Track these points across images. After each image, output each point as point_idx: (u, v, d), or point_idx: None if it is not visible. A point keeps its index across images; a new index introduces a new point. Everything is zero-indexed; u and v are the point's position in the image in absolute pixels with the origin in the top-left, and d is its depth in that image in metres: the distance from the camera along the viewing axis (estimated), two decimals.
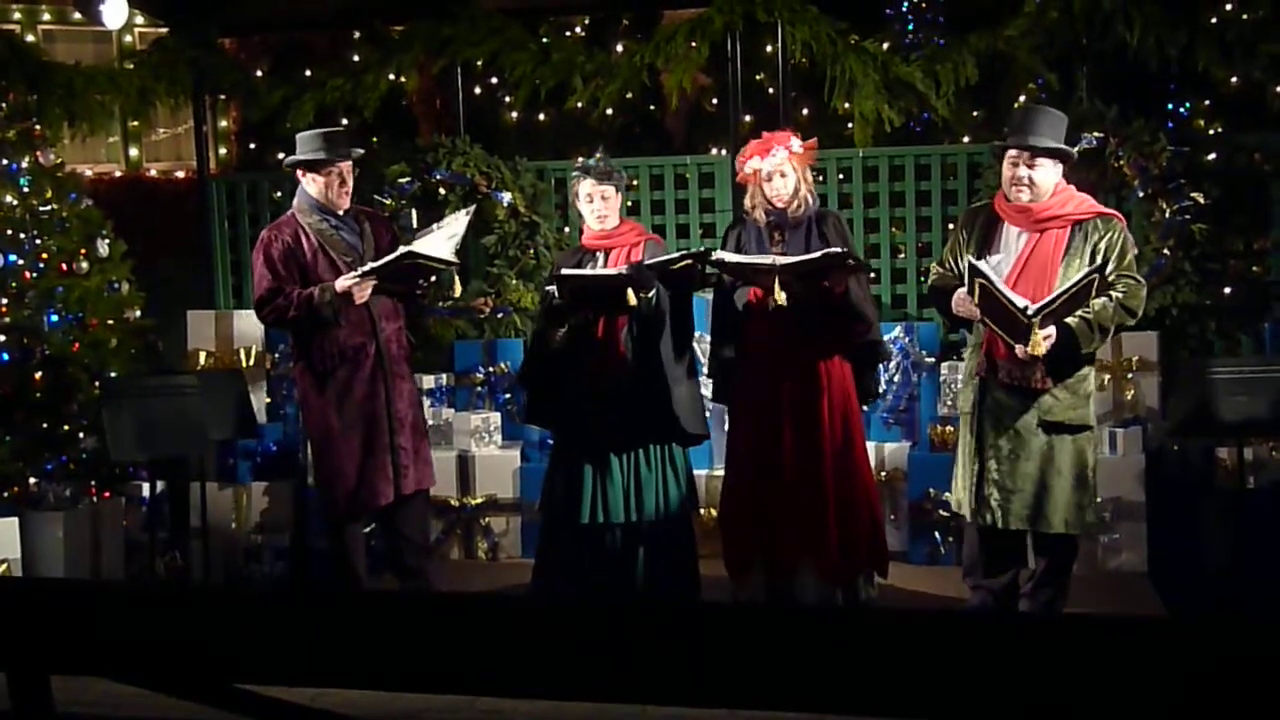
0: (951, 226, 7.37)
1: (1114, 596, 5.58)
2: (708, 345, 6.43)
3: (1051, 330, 4.60)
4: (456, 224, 5.24)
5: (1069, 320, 4.64)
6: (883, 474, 6.29)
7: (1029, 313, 4.55)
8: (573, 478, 5.16)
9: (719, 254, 5.03)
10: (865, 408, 5.43)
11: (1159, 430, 6.26)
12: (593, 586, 5.11)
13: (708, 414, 5.45)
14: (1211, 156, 6.77)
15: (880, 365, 5.64)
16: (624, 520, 5.10)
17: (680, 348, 5.17)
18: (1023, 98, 7.43)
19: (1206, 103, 7.77)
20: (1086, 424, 4.81)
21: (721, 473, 6.30)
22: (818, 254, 4.85)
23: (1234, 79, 7.14)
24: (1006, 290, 4.61)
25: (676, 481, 5.19)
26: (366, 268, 5.15)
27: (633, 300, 4.92)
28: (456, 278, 5.48)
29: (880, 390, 5.86)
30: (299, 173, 5.36)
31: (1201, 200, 6.63)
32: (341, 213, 5.35)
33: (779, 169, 5.08)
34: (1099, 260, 4.69)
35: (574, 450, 5.20)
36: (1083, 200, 4.84)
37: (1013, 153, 4.80)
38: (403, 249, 5.11)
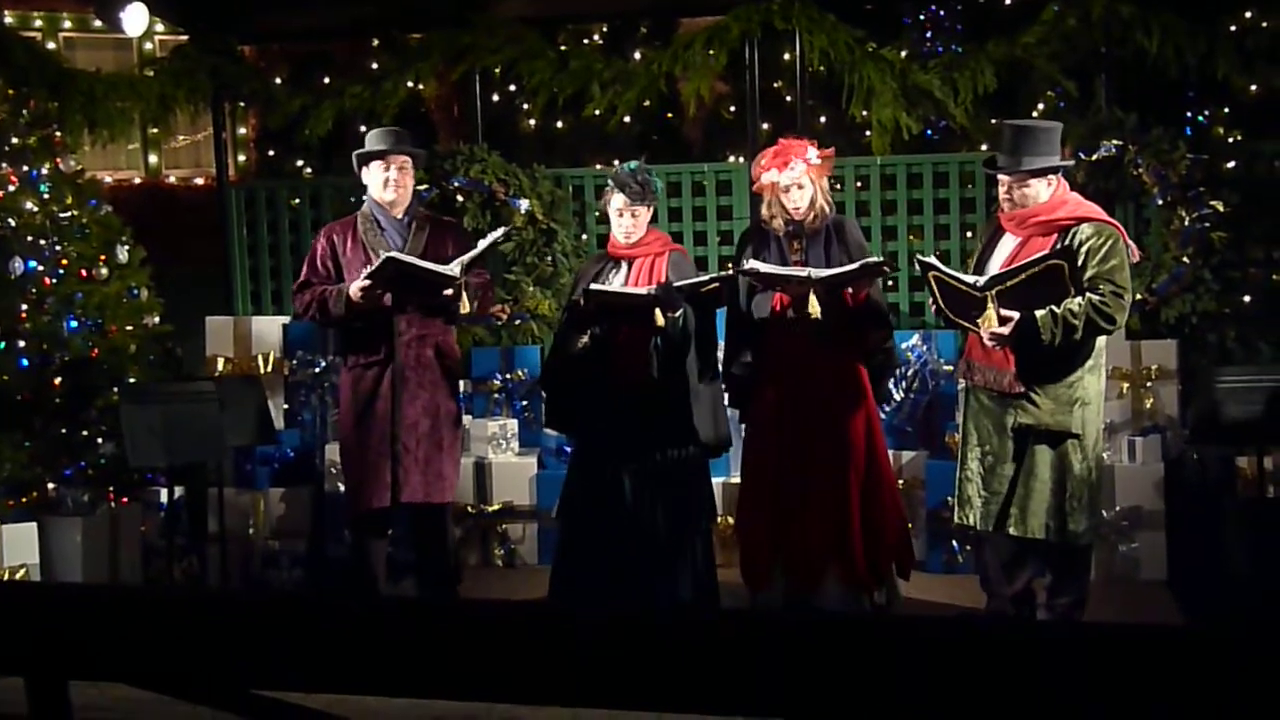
0: (970, 234, 7.42)
1: (1132, 605, 5.56)
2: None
3: (1015, 315, 4.57)
4: (482, 242, 5.21)
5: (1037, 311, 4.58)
6: (900, 482, 6.25)
7: (978, 286, 4.55)
8: (591, 485, 5.16)
9: (752, 264, 4.96)
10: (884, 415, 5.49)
11: (1178, 438, 6.23)
12: (609, 594, 5.11)
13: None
14: (1231, 164, 6.73)
15: (892, 373, 5.67)
16: (641, 529, 5.10)
17: (704, 364, 5.18)
18: (1041, 105, 7.42)
19: (1226, 110, 7.75)
20: (1070, 430, 4.72)
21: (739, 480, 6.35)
22: (855, 265, 4.85)
23: (1253, 86, 7.13)
24: (956, 272, 4.66)
25: (695, 491, 5.18)
26: (364, 272, 5.17)
27: (660, 320, 4.94)
28: (465, 294, 5.22)
29: (892, 398, 5.95)
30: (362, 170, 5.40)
31: (1221, 208, 6.60)
32: (399, 215, 5.36)
33: (796, 182, 5.05)
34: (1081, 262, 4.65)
35: (592, 458, 5.21)
36: (1077, 206, 4.78)
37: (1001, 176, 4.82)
38: (385, 255, 5.05)
